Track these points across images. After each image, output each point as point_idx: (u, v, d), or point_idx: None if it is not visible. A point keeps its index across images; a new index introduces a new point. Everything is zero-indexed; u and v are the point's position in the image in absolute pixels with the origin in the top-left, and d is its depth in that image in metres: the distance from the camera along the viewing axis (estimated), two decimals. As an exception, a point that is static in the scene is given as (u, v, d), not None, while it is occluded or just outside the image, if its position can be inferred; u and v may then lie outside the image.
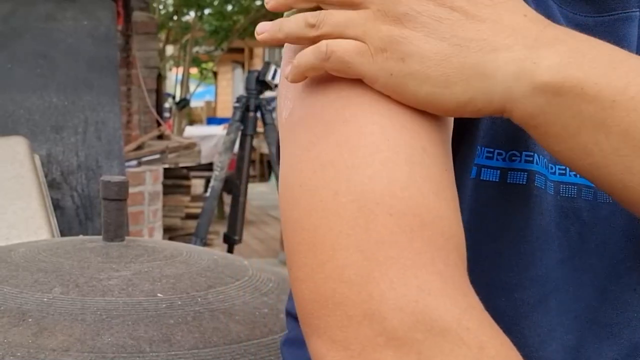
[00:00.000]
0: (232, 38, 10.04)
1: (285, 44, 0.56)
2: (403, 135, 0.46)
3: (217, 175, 3.53)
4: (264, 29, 0.52)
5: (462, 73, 0.46)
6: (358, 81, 0.48)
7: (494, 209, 0.56)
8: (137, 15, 4.01)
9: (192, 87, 11.01)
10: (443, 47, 0.46)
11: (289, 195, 0.48)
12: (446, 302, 0.41)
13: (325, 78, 0.49)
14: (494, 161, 0.57)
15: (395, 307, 0.40)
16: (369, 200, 0.44)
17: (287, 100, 0.53)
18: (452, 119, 0.52)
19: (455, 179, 0.50)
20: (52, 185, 2.63)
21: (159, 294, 0.91)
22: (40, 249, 1.05)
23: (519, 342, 0.52)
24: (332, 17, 0.48)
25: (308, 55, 0.49)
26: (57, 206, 2.62)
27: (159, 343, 0.83)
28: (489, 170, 0.57)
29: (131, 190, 2.98)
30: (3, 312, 0.86)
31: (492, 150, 0.57)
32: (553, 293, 0.57)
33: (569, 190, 0.57)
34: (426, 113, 0.48)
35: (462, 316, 0.41)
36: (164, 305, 0.89)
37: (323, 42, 0.48)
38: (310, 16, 0.49)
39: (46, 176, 2.57)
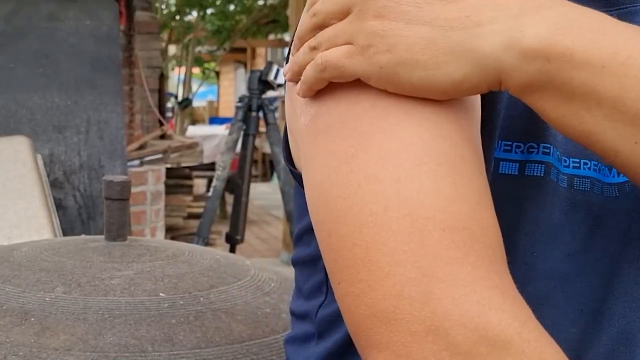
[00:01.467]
0: (234, 38, 10.04)
1: (291, 53, 0.58)
2: (442, 145, 0.47)
3: (220, 175, 3.53)
4: (285, 72, 0.56)
5: (450, 52, 0.46)
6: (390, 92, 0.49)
7: (510, 202, 0.56)
8: (140, 15, 4.01)
9: (194, 87, 11.03)
10: (426, 31, 0.46)
11: (331, 208, 0.48)
12: (507, 316, 0.42)
13: (353, 85, 0.50)
14: (512, 154, 0.57)
15: (459, 323, 0.42)
16: (420, 215, 0.44)
17: (307, 105, 0.53)
18: (479, 118, 0.52)
19: None
20: (54, 184, 2.63)
21: (161, 294, 0.91)
22: (42, 248, 1.05)
23: None
24: (325, 34, 0.51)
25: (309, 71, 0.51)
26: (60, 206, 2.62)
27: (161, 342, 0.83)
28: (507, 163, 0.57)
29: (133, 190, 2.98)
30: (5, 311, 0.86)
31: (510, 143, 0.57)
32: (560, 287, 0.57)
33: (583, 183, 0.58)
34: (459, 118, 0.48)
35: (522, 329, 0.42)
36: (166, 305, 0.89)
37: (318, 55, 0.50)
38: (310, 41, 0.52)
39: (48, 176, 2.57)
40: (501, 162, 0.57)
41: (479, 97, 0.53)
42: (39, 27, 2.77)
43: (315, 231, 0.51)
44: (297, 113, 0.56)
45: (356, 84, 0.50)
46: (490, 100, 0.55)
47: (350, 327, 0.47)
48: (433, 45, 0.46)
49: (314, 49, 0.51)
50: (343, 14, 0.50)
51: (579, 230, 0.57)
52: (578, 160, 0.58)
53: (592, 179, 0.58)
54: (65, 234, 2.43)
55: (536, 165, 0.57)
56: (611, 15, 0.59)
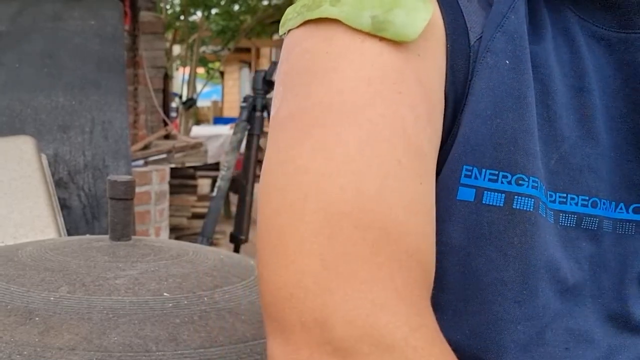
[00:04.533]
0: (238, 38, 10.05)
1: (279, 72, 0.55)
2: (379, 147, 0.46)
3: (224, 174, 3.53)
4: None
5: None
6: (342, 89, 0.48)
7: (497, 236, 0.53)
8: (144, 15, 4.01)
9: (198, 87, 11.03)
10: None
11: (264, 193, 0.49)
12: (397, 319, 0.42)
13: (310, 78, 0.50)
14: (499, 184, 0.54)
15: (346, 319, 0.41)
16: (337, 211, 0.44)
17: (276, 98, 0.54)
18: (440, 133, 0.52)
19: (440, 198, 0.51)
20: (59, 184, 2.63)
21: (165, 293, 0.91)
22: (47, 248, 1.05)
23: None
24: None
25: None
26: (64, 205, 2.62)
27: (166, 342, 0.83)
28: (492, 193, 0.54)
29: (138, 189, 2.97)
30: (10, 310, 0.86)
31: (495, 172, 0.54)
32: (550, 325, 0.55)
33: (568, 219, 0.56)
34: (406, 125, 0.48)
35: (411, 335, 0.42)
36: (170, 305, 0.89)
37: None
38: None
39: (53, 176, 2.57)
40: (485, 192, 0.54)
41: (441, 115, 0.52)
42: (44, 27, 2.77)
43: None
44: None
45: (310, 81, 0.49)
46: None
47: (262, 312, 0.47)
48: None
49: None
50: None
51: (568, 267, 0.55)
52: (565, 194, 0.57)
53: (580, 215, 0.57)
54: (69, 233, 2.44)
55: (525, 198, 0.54)
56: (627, 37, 0.56)
